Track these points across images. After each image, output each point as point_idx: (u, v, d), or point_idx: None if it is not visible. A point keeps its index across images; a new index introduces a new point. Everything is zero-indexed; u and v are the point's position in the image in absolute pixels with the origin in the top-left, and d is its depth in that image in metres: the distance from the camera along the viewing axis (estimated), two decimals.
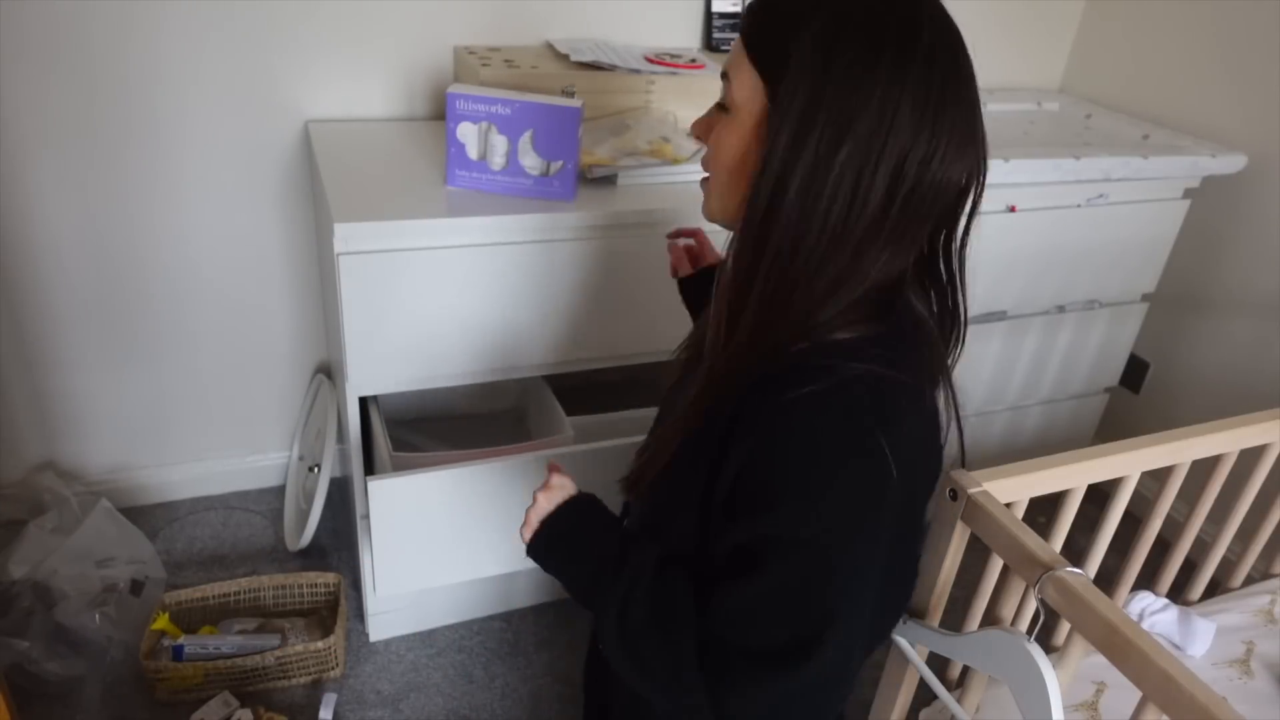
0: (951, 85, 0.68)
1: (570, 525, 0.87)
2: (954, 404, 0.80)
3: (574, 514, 0.87)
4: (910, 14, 0.67)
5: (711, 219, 0.81)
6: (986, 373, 1.99)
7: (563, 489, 0.88)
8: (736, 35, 0.77)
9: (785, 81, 0.68)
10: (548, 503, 0.87)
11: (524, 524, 0.88)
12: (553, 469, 0.89)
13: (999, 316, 1.92)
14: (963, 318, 0.80)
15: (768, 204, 0.70)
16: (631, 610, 0.78)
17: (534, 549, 0.87)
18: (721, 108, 0.77)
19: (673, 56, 1.80)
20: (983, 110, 0.73)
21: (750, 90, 0.72)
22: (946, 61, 0.68)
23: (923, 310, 0.78)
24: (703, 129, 0.80)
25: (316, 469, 1.83)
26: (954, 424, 0.80)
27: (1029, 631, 0.93)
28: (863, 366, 0.71)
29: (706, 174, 0.81)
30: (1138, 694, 0.91)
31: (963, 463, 0.87)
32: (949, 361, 0.81)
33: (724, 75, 0.76)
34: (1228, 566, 1.59)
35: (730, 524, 0.74)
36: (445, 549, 1.54)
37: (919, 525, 0.86)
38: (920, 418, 0.76)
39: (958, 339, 0.82)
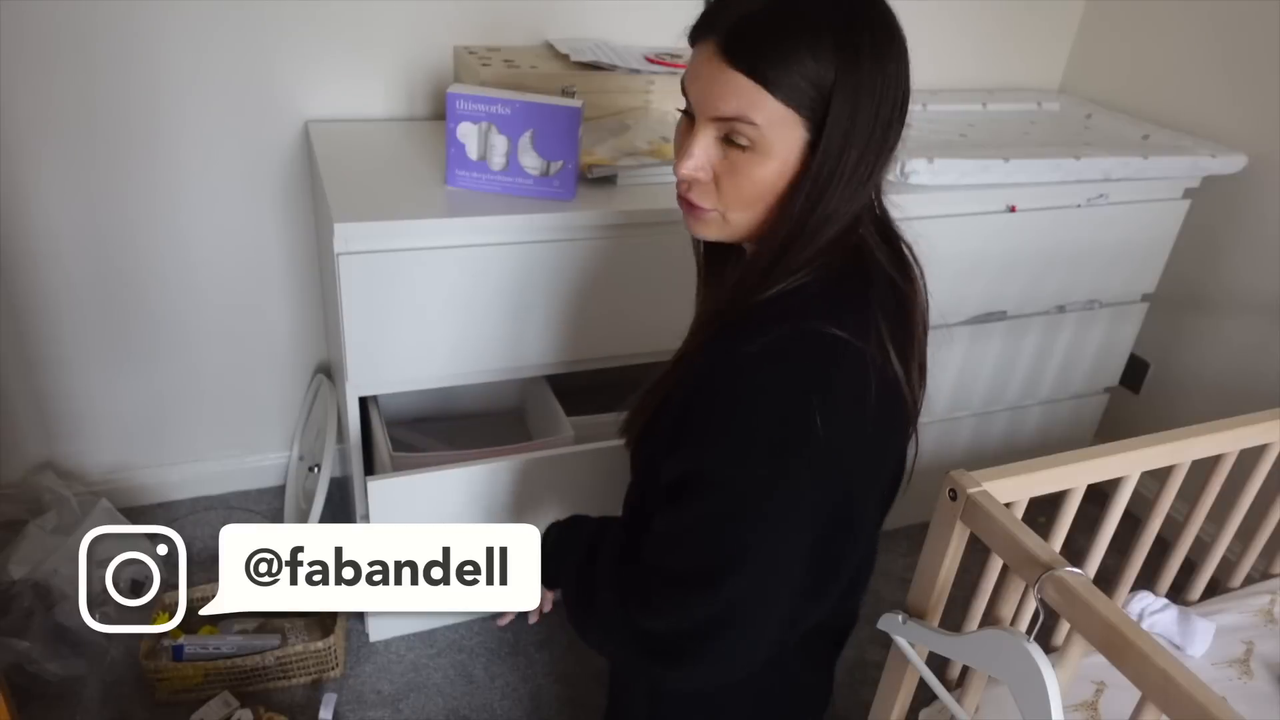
0: (896, 29, 0.78)
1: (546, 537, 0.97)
2: (923, 375, 0.88)
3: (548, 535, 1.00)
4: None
5: (732, 239, 0.85)
6: (986, 373, 1.99)
7: None
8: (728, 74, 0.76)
9: (831, 112, 0.74)
10: None
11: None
12: None
13: (999, 316, 1.91)
14: (916, 263, 0.88)
15: (820, 197, 0.77)
16: (601, 555, 0.92)
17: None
18: (734, 145, 0.77)
19: (673, 56, 1.80)
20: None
21: (783, 126, 0.75)
22: (887, 19, 0.78)
23: (883, 260, 0.83)
24: (709, 169, 0.80)
25: (316, 469, 1.83)
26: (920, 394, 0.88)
27: (1028, 631, 0.92)
28: (817, 323, 0.77)
29: (709, 207, 0.82)
30: (1137, 694, 0.91)
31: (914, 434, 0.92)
32: (920, 320, 0.87)
33: (729, 119, 0.76)
34: (1227, 566, 1.59)
35: (669, 456, 0.82)
36: None
37: (866, 494, 0.87)
38: (863, 382, 0.78)
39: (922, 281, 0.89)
